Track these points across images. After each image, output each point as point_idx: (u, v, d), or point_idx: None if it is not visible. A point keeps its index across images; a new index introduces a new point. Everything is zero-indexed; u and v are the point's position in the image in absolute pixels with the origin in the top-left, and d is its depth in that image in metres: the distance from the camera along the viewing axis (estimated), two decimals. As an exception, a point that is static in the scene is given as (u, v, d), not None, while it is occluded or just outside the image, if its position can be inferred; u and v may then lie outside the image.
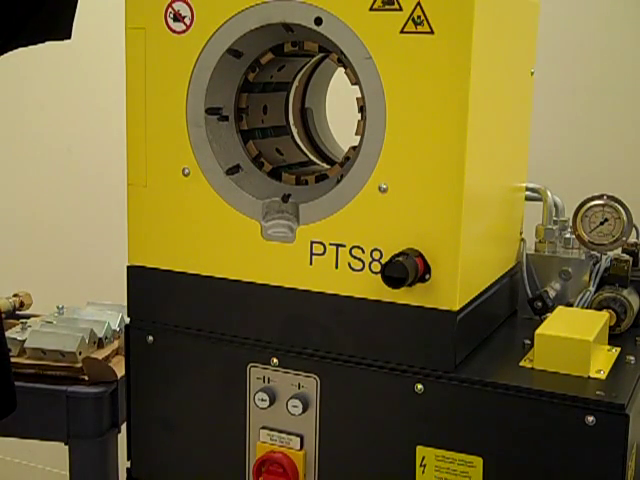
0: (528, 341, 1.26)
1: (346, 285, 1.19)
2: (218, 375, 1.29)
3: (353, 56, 1.13)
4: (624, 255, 1.42)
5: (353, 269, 1.18)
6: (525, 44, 1.37)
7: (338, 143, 1.52)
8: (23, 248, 2.87)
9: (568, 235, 1.44)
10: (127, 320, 1.36)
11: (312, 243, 1.20)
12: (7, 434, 1.71)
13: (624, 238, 1.40)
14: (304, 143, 1.47)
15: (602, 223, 1.41)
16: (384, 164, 1.14)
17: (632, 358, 1.23)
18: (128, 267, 1.34)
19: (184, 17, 1.23)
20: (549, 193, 1.46)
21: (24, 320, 1.82)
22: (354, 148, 1.21)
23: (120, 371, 1.62)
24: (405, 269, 1.09)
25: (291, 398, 1.23)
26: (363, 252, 1.17)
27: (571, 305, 1.37)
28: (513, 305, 1.43)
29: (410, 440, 1.17)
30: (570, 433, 1.09)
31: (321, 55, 1.38)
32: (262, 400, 1.24)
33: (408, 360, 1.17)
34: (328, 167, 1.38)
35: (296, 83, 1.45)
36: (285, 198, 1.24)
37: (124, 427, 1.44)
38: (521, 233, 1.46)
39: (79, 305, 1.92)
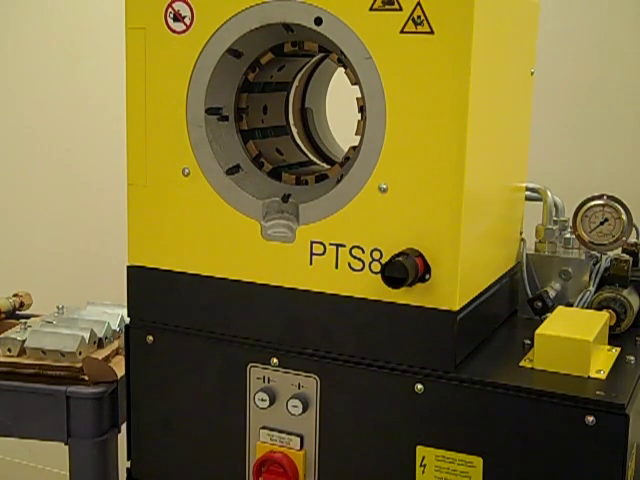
0: (528, 341, 1.26)
1: (346, 285, 1.19)
2: (218, 375, 1.29)
3: (353, 56, 1.13)
4: (624, 255, 1.42)
5: (353, 269, 1.18)
6: (525, 44, 1.37)
7: (338, 143, 1.52)
8: (23, 248, 2.87)
9: (568, 235, 1.44)
10: (127, 320, 1.36)
11: (312, 243, 1.20)
12: (7, 434, 1.71)
13: (624, 238, 1.40)
14: (304, 143, 1.47)
15: (602, 223, 1.41)
16: (384, 164, 1.14)
17: (632, 358, 1.23)
18: (128, 267, 1.34)
19: (184, 17, 1.23)
20: (549, 193, 1.46)
21: (24, 320, 1.81)
22: (354, 148, 1.21)
23: (120, 371, 1.62)
24: (405, 269, 1.09)
25: (291, 398, 1.23)
26: (363, 252, 1.17)
27: (571, 305, 1.37)
28: (513, 305, 1.43)
29: (410, 440, 1.17)
30: (570, 433, 1.09)
31: (321, 55, 1.38)
32: (262, 400, 1.24)
33: (408, 360, 1.17)
34: (328, 167, 1.38)
35: (296, 83, 1.45)
36: (285, 198, 1.24)
37: (124, 427, 1.44)
38: (521, 233, 1.46)
39: (79, 305, 1.92)
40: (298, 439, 1.24)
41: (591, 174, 2.01)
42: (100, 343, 1.74)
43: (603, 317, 1.27)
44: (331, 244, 1.19)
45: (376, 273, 1.16)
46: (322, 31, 1.15)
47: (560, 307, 1.32)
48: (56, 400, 1.62)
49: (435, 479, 1.17)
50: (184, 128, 1.25)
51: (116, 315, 1.84)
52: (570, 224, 1.45)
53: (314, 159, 1.47)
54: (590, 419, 1.07)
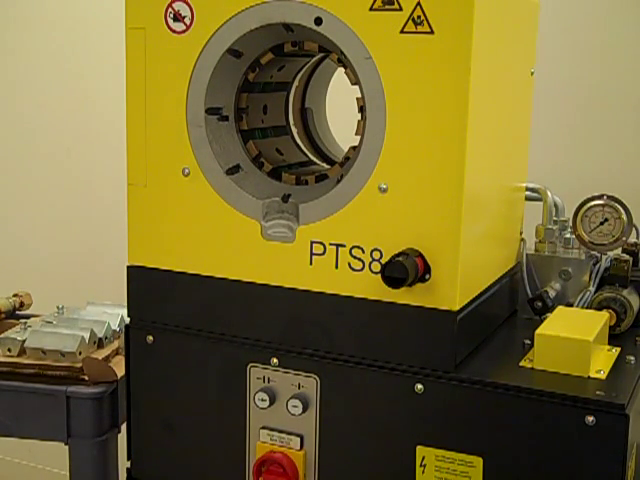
0: (528, 341, 1.26)
1: (346, 285, 1.19)
2: (218, 375, 1.29)
3: (353, 56, 1.13)
4: (624, 255, 1.42)
5: (353, 269, 1.18)
6: (525, 44, 1.37)
7: (338, 143, 1.52)
8: (23, 248, 2.87)
9: (568, 235, 1.44)
10: (127, 320, 1.36)
11: (312, 243, 1.20)
12: (7, 434, 1.71)
13: (624, 238, 1.40)
14: (304, 143, 1.47)
15: (602, 223, 1.41)
16: (384, 164, 1.14)
17: (632, 358, 1.23)
18: (128, 267, 1.34)
19: (184, 17, 1.23)
20: (549, 193, 1.46)
21: (24, 320, 1.81)
22: (354, 148, 1.21)
23: (120, 371, 1.62)
24: (405, 269, 1.09)
25: (291, 398, 1.23)
26: (363, 252, 1.17)
27: (571, 305, 1.37)
28: (513, 305, 1.43)
29: (410, 440, 1.17)
30: (570, 433, 1.09)
31: (321, 55, 1.38)
32: (262, 400, 1.24)
33: (408, 360, 1.17)
34: (328, 167, 1.38)
35: (296, 83, 1.45)
36: (285, 198, 1.24)
37: (124, 427, 1.44)
38: (521, 233, 1.46)
39: (79, 305, 1.92)
40: (298, 439, 1.24)
41: (591, 174, 2.01)
42: (100, 343, 1.74)
43: (603, 317, 1.27)
44: (331, 244, 1.19)
45: (376, 273, 1.16)
46: (322, 31, 1.15)
47: (560, 307, 1.32)
48: (56, 400, 1.62)
49: (435, 479, 1.17)
50: (184, 128, 1.25)
51: (116, 315, 1.84)
52: (570, 224, 1.45)
53: (314, 159, 1.47)
54: (590, 419, 1.07)
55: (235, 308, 1.27)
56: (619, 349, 1.26)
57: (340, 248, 1.18)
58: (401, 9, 1.10)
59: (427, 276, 1.13)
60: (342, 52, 1.15)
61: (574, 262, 1.41)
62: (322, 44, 1.22)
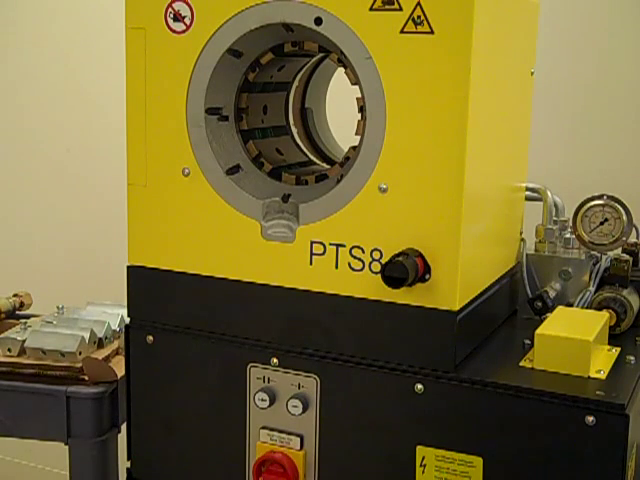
0: (528, 341, 1.26)
1: (346, 285, 1.19)
2: (218, 375, 1.29)
3: (353, 56, 1.13)
4: (624, 255, 1.42)
5: (353, 269, 1.18)
6: (525, 44, 1.37)
7: (338, 143, 1.52)
8: (23, 248, 2.87)
9: (568, 235, 1.44)
10: (127, 320, 1.36)
11: (312, 243, 1.20)
12: (7, 434, 1.71)
13: (624, 238, 1.40)
14: (304, 143, 1.47)
15: (602, 223, 1.41)
16: (384, 164, 1.14)
17: (632, 358, 1.23)
18: (128, 267, 1.34)
19: (184, 17, 1.23)
20: (549, 193, 1.46)
21: (24, 320, 1.81)
22: (354, 148, 1.21)
23: (120, 371, 1.62)
24: (405, 269, 1.09)
25: (291, 398, 1.23)
26: (363, 252, 1.17)
27: (571, 305, 1.37)
28: (513, 305, 1.43)
29: (410, 440, 1.17)
30: (570, 433, 1.09)
31: (321, 55, 1.38)
32: (262, 400, 1.24)
33: (408, 360, 1.17)
34: (328, 167, 1.38)
35: (296, 83, 1.45)
36: (285, 198, 1.24)
37: (124, 427, 1.44)
38: (521, 233, 1.46)
39: (79, 305, 1.92)
40: (298, 439, 1.24)
41: (591, 174, 2.01)
42: (100, 343, 1.74)
43: (603, 317, 1.27)
44: (331, 244, 1.19)
45: (376, 273, 1.16)
46: (322, 31, 1.15)
47: (560, 307, 1.32)
48: (56, 400, 1.62)
49: (435, 479, 1.17)
50: (184, 128, 1.25)
51: (116, 315, 1.83)
52: (570, 224, 1.45)
53: (314, 159, 1.47)
54: (590, 419, 1.07)
55: (235, 308, 1.27)
56: (619, 349, 1.26)
57: (340, 248, 1.18)
58: (401, 9, 1.10)
59: (427, 276, 1.13)
60: (342, 52, 1.15)
61: (574, 262, 1.41)
62: (322, 44, 1.22)
